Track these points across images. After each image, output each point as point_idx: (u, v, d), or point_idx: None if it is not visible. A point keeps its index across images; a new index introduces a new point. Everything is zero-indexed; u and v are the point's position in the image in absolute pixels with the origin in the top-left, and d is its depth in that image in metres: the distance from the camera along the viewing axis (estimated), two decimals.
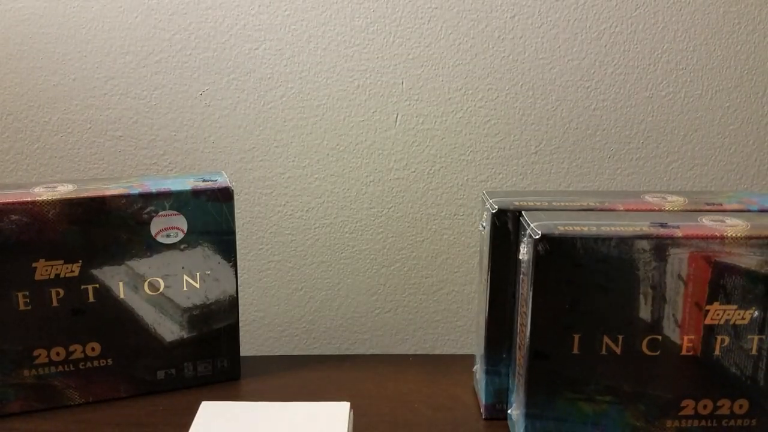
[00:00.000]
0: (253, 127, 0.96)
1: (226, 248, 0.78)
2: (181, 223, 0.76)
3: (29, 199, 0.71)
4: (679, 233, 0.62)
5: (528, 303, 0.64)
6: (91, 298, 0.74)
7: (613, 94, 0.96)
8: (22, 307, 0.72)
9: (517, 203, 0.71)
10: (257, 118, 0.96)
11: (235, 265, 0.79)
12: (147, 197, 0.74)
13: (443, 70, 0.95)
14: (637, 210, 0.70)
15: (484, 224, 0.74)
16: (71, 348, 0.75)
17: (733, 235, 0.62)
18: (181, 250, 0.77)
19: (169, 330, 0.78)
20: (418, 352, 1.05)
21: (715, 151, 0.98)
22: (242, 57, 0.94)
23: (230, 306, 0.80)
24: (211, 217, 0.77)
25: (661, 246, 0.62)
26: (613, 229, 0.63)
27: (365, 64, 0.95)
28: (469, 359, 0.85)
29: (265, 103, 0.96)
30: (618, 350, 0.64)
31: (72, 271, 0.73)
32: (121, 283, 0.75)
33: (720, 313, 0.64)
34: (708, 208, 0.71)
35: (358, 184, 0.99)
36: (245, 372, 0.83)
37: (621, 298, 0.63)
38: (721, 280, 0.63)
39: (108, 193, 0.73)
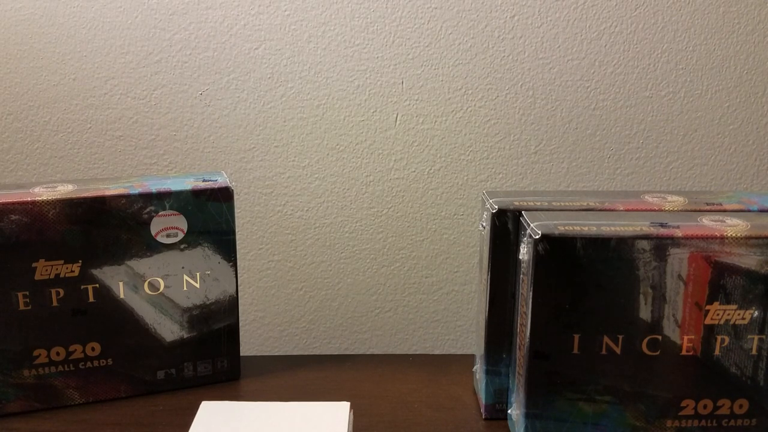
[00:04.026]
0: (253, 127, 0.96)
1: (226, 248, 0.78)
2: (181, 223, 0.76)
3: (29, 199, 0.71)
4: (679, 233, 0.62)
5: (528, 303, 0.64)
6: (91, 298, 0.74)
7: (613, 94, 0.96)
8: (22, 307, 0.72)
9: (517, 203, 0.71)
10: (257, 118, 0.96)
11: (235, 265, 0.79)
12: (147, 197, 0.74)
13: (443, 70, 0.95)
14: (637, 210, 0.70)
15: (484, 224, 0.74)
16: (71, 348, 0.75)
17: (733, 235, 0.62)
18: (181, 250, 0.76)
19: (169, 330, 0.78)
20: (418, 352, 1.05)
21: (715, 151, 0.98)
22: (242, 57, 0.94)
23: (230, 306, 0.80)
24: (211, 217, 0.77)
25: (661, 246, 0.62)
26: (613, 229, 0.63)
27: (365, 64, 0.95)
28: (469, 359, 0.85)
29: (265, 103, 0.96)
30: (618, 350, 0.64)
31: (72, 271, 0.73)
32: (121, 283, 0.75)
33: (720, 313, 0.64)
34: (708, 208, 0.71)
35: (358, 184, 0.99)
36: (245, 372, 0.83)
37: (621, 298, 0.63)
38: (721, 280, 0.63)
39: (108, 193, 0.73)
